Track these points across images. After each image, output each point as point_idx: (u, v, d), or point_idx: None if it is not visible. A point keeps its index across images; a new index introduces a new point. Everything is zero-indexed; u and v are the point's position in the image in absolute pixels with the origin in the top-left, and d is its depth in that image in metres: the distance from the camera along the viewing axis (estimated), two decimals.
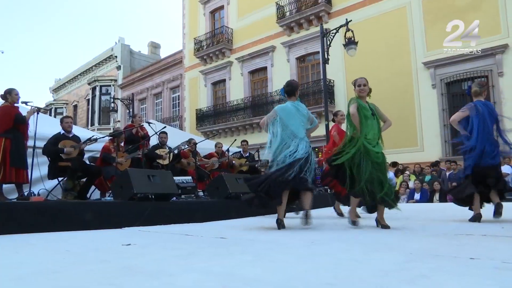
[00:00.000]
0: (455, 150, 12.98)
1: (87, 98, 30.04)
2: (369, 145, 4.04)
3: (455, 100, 13.40)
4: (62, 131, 6.13)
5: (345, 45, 11.61)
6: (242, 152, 9.62)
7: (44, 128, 5.78)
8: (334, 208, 6.20)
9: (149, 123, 7.93)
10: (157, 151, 7.55)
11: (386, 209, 4.15)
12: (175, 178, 6.16)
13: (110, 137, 6.96)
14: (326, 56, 11.65)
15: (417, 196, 10.47)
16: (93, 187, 6.44)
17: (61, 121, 6.28)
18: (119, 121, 26.19)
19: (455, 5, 12.98)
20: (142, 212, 4.89)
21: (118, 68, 27.83)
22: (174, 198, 5.95)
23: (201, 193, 7.61)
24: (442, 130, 13.17)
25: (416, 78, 13.82)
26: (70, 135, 6.17)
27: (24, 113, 5.39)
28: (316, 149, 14.02)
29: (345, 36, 11.52)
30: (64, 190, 5.87)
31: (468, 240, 3.02)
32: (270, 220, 5.71)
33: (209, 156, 9.17)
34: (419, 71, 13.75)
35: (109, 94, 27.34)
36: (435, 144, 13.18)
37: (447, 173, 10.87)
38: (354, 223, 4.28)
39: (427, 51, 13.60)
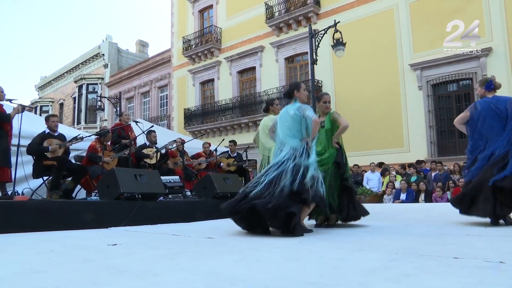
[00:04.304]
0: (440, 151, 13.20)
1: (73, 96, 29.62)
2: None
3: (441, 102, 13.60)
4: (47, 130, 6.04)
5: (333, 46, 11.69)
6: (229, 152, 9.60)
7: (28, 126, 5.68)
8: None
9: (136, 122, 7.88)
10: (144, 151, 7.50)
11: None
12: (162, 177, 6.13)
13: (96, 136, 6.88)
14: (314, 57, 11.71)
15: (403, 196, 10.58)
16: (78, 187, 6.37)
17: (47, 119, 6.16)
18: (105, 120, 25.91)
19: (442, 8, 13.16)
20: (128, 211, 4.85)
21: (105, 66, 27.51)
22: (161, 197, 5.92)
23: (188, 193, 7.59)
24: (427, 131, 13.34)
25: (403, 80, 13.97)
26: (56, 134, 6.08)
27: (8, 111, 5.29)
28: None
29: (333, 37, 11.60)
30: (56, 189, 5.76)
31: (452, 239, 3.07)
32: None
33: (196, 156, 9.14)
34: (406, 72, 13.91)
35: (96, 92, 26.99)
36: (421, 145, 13.34)
37: (433, 174, 11.02)
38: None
39: (414, 53, 13.76)
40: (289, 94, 4.08)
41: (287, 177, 3.50)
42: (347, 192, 4.27)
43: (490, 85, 4.29)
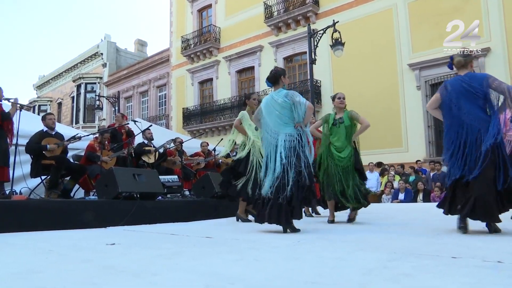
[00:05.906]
0: (438, 151, 13.20)
1: (71, 95, 29.56)
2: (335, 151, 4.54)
3: None
4: (45, 129, 6.02)
5: (332, 46, 11.69)
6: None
7: (27, 125, 5.67)
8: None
9: (135, 121, 7.87)
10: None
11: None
12: (160, 177, 6.13)
13: (95, 135, 6.86)
14: (313, 57, 11.71)
15: (401, 196, 10.60)
16: (77, 186, 6.35)
17: (44, 118, 6.13)
18: (104, 119, 25.88)
19: (440, 8, 13.17)
20: (127, 211, 4.85)
21: (104, 65, 27.46)
22: (160, 197, 5.91)
23: (187, 192, 7.58)
24: (426, 131, 13.36)
25: (401, 80, 13.98)
26: (53, 133, 6.06)
27: (6, 110, 5.27)
28: None
29: (332, 37, 11.60)
30: (54, 189, 5.74)
31: (450, 239, 3.07)
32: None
33: (195, 155, 9.13)
34: (404, 72, 13.92)
35: (94, 91, 26.94)
36: (419, 145, 13.36)
37: (431, 174, 11.03)
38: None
39: (413, 53, 13.78)
40: (275, 78, 3.88)
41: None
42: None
43: (450, 64, 3.70)
